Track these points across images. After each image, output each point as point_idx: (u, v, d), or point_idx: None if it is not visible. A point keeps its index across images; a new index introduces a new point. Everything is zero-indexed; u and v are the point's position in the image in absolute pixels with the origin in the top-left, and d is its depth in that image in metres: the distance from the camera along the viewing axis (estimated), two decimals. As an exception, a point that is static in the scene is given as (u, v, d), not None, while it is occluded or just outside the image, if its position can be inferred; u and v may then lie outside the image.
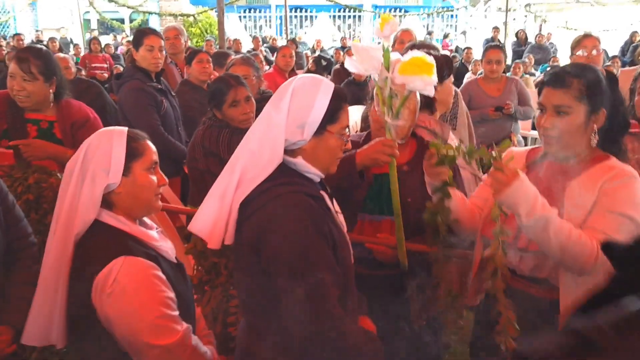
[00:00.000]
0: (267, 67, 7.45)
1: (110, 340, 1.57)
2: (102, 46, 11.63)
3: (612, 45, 11.73)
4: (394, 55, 1.80)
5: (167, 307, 1.57)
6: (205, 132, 2.84)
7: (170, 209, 2.68)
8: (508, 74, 5.91)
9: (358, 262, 1.75)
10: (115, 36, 17.08)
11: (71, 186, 1.62)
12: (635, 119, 2.33)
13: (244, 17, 22.26)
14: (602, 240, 1.62)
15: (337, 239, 1.54)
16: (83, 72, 6.92)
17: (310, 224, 1.44)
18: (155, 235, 1.73)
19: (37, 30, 16.71)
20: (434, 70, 1.75)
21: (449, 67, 2.57)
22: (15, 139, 2.58)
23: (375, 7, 21.66)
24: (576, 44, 3.57)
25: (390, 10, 20.59)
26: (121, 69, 8.53)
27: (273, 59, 9.17)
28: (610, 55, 9.88)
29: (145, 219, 1.78)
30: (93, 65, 10.05)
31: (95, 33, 15.10)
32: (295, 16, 21.96)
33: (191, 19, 15.00)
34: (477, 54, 10.29)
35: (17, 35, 11.61)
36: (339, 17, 22.55)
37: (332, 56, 10.98)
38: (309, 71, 7.68)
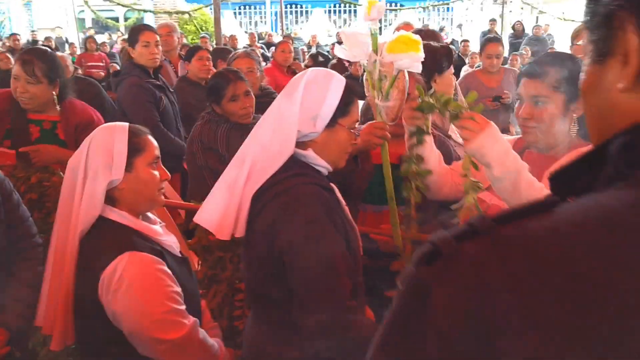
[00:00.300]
0: (264, 63, 7.42)
1: (118, 336, 1.56)
2: (98, 45, 11.58)
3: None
4: (381, 39, 1.80)
5: (173, 301, 1.57)
6: (203, 127, 2.84)
7: (171, 205, 2.68)
8: (506, 66, 5.91)
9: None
10: (110, 35, 17.03)
11: (74, 183, 1.62)
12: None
13: (239, 13, 22.21)
14: None
15: (349, 231, 1.54)
16: (80, 71, 6.89)
17: (324, 214, 1.44)
18: (160, 229, 1.73)
19: (32, 31, 16.64)
20: (421, 47, 1.74)
21: (448, 58, 2.56)
22: (18, 140, 2.58)
23: (371, 1, 21.55)
24: (577, 34, 3.56)
25: (386, 4, 20.52)
26: (118, 67, 8.50)
27: (269, 54, 9.17)
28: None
29: (149, 213, 1.78)
30: (89, 64, 10.00)
31: (92, 32, 15.03)
32: (291, 12, 21.92)
33: (186, 16, 14.95)
34: (474, 46, 10.29)
35: (13, 35, 11.56)
36: (334, 12, 22.48)
37: (328, 51, 10.96)
38: (306, 67, 7.67)
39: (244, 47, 9.62)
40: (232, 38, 11.39)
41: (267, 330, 1.57)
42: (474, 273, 0.47)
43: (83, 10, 18.03)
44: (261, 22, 22.74)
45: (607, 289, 0.43)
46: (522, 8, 16.67)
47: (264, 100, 3.52)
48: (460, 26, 19.33)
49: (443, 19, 22.00)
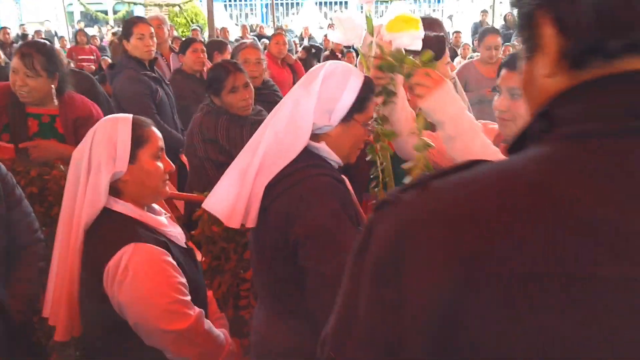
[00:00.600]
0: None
1: (124, 327, 1.57)
2: (89, 38, 11.51)
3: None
4: (377, 22, 1.79)
5: (178, 292, 1.58)
6: (203, 119, 2.83)
7: (172, 196, 2.67)
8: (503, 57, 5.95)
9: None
10: (99, 28, 16.90)
11: (78, 176, 1.62)
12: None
13: (229, 5, 22.10)
14: None
15: (360, 223, 1.54)
16: (72, 65, 6.85)
17: (339, 206, 1.44)
18: (164, 220, 1.74)
19: (21, 24, 16.49)
20: (420, 25, 1.72)
21: (439, 47, 2.53)
22: (16, 134, 2.56)
23: (362, -8, 21.51)
24: None
25: (376, -4, 20.48)
26: (109, 60, 8.45)
27: (261, 47, 9.12)
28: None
29: (154, 205, 1.78)
30: (80, 57, 9.95)
31: (82, 25, 14.92)
32: (282, 4, 21.84)
33: (176, 8, 14.86)
34: (465, 37, 10.29)
35: (3, 29, 11.46)
36: (325, 3, 22.44)
37: (321, 43, 10.95)
38: (299, 59, 7.65)
39: (235, 40, 9.60)
40: (224, 30, 11.34)
41: (278, 321, 1.57)
42: (403, 212, 0.61)
43: (72, 4, 17.89)
44: (251, 14, 22.66)
45: (492, 222, 0.55)
46: (513, -2, 16.65)
47: (266, 92, 3.53)
48: (451, 17, 19.32)
49: (434, 10, 22.00)
